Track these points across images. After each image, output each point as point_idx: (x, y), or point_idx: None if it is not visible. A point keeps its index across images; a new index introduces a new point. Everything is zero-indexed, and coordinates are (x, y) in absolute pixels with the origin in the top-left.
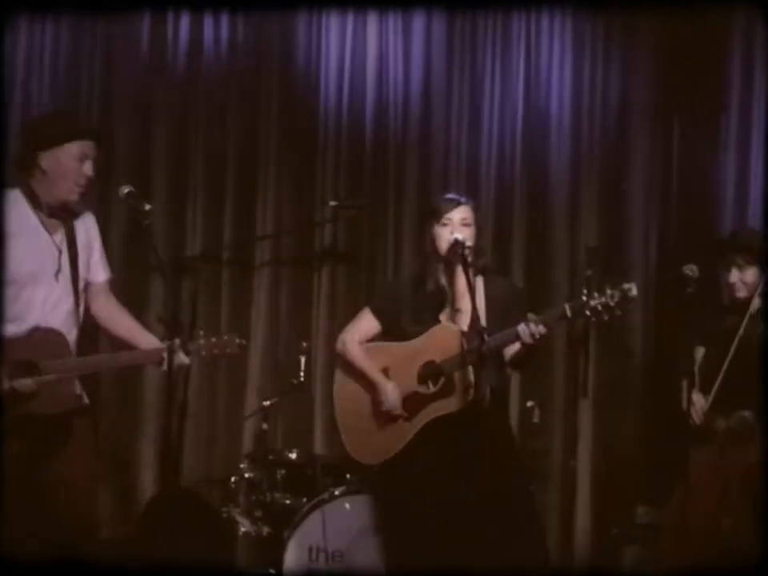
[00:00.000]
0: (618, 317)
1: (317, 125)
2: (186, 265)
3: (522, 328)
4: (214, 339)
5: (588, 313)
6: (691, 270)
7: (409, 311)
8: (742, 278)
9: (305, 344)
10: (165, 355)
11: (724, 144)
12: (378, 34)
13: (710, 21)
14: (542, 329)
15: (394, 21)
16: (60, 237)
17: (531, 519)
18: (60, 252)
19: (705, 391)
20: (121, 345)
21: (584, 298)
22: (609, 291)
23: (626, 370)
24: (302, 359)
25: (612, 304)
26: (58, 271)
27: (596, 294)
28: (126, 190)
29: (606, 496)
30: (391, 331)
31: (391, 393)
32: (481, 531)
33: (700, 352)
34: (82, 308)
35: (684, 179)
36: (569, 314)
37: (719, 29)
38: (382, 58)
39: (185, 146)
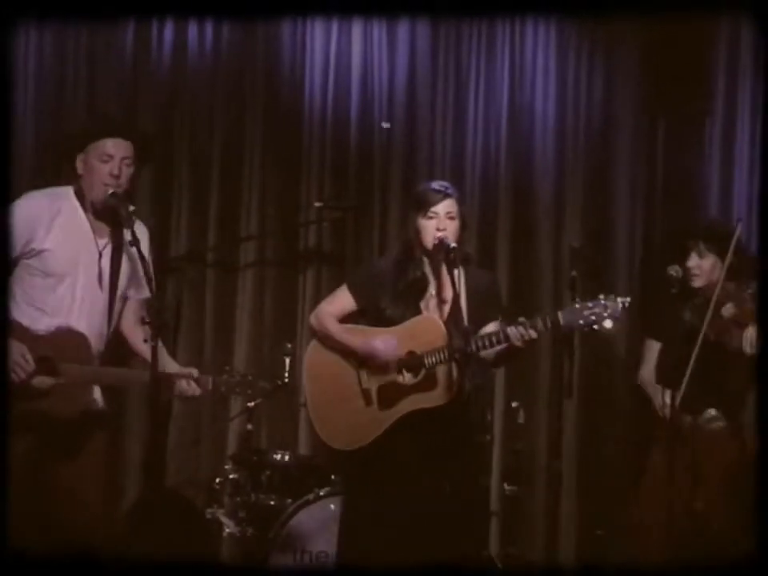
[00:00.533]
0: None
1: (302, 126)
2: (170, 266)
3: (512, 330)
4: (237, 378)
5: (581, 322)
6: (675, 270)
7: (389, 295)
8: (700, 265)
9: (289, 345)
10: (177, 382)
11: (708, 145)
12: (362, 40)
13: (694, 26)
14: (532, 333)
15: (378, 27)
16: (104, 241)
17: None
18: (100, 256)
19: (669, 387)
20: (140, 363)
21: (577, 306)
22: (603, 302)
23: (610, 370)
24: (287, 360)
25: (605, 315)
26: (99, 275)
27: (590, 304)
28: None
29: (590, 496)
30: (368, 313)
31: (386, 344)
32: (436, 527)
33: (655, 346)
34: (115, 317)
35: (668, 180)
36: (561, 321)
37: (704, 33)
38: (366, 63)
39: (169, 147)
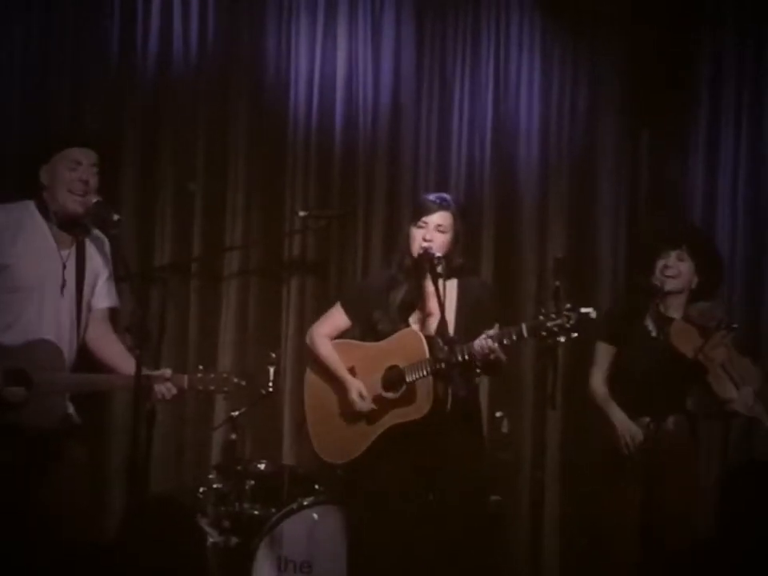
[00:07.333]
0: (576, 338)
1: (286, 134)
2: (154, 275)
3: (477, 343)
4: (212, 375)
5: (544, 333)
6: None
7: (381, 310)
8: (678, 267)
9: (273, 354)
10: (154, 386)
11: (692, 153)
12: (347, 50)
13: (677, 34)
14: (494, 345)
15: (363, 38)
16: (68, 252)
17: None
18: (64, 267)
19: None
20: (105, 372)
21: (541, 318)
22: (566, 313)
23: None
24: (271, 369)
25: (568, 326)
26: (63, 286)
27: (553, 315)
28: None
29: (573, 507)
30: (362, 328)
31: (359, 393)
32: (436, 540)
33: (608, 350)
34: (83, 327)
35: (653, 189)
36: (525, 333)
37: (687, 42)
38: (351, 74)
39: (153, 156)
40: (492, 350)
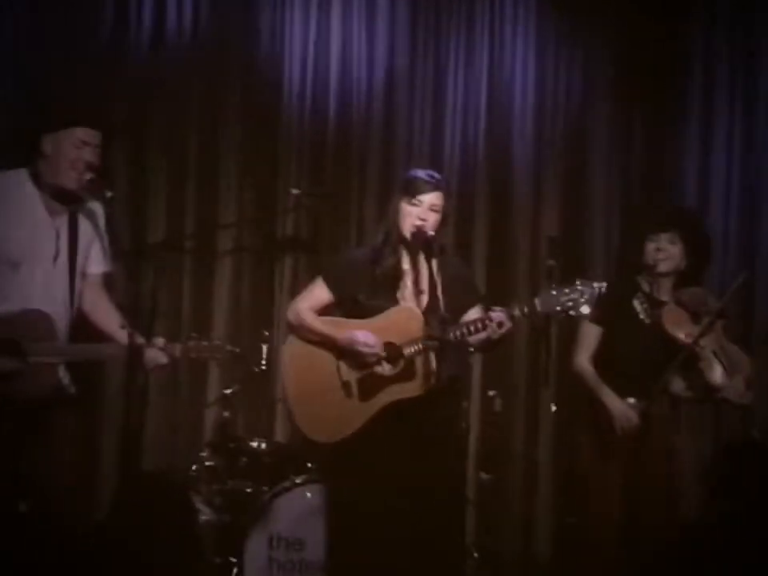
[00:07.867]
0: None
1: (279, 112)
2: (147, 252)
3: (495, 315)
4: (205, 343)
5: (558, 308)
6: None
7: (365, 285)
8: (669, 249)
9: (266, 332)
10: (146, 353)
11: (686, 133)
12: (342, 18)
13: (671, 13)
14: (507, 322)
15: (358, 3)
16: (61, 221)
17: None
18: (58, 236)
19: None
20: (101, 339)
21: (554, 293)
22: (579, 287)
23: None
24: (264, 347)
25: (582, 300)
26: (56, 255)
27: (566, 290)
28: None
29: (565, 485)
30: (345, 304)
31: (366, 341)
32: (421, 518)
33: (594, 331)
34: (77, 296)
35: (646, 168)
36: (539, 308)
37: (680, 20)
38: (345, 51)
39: (146, 133)
40: (503, 324)
